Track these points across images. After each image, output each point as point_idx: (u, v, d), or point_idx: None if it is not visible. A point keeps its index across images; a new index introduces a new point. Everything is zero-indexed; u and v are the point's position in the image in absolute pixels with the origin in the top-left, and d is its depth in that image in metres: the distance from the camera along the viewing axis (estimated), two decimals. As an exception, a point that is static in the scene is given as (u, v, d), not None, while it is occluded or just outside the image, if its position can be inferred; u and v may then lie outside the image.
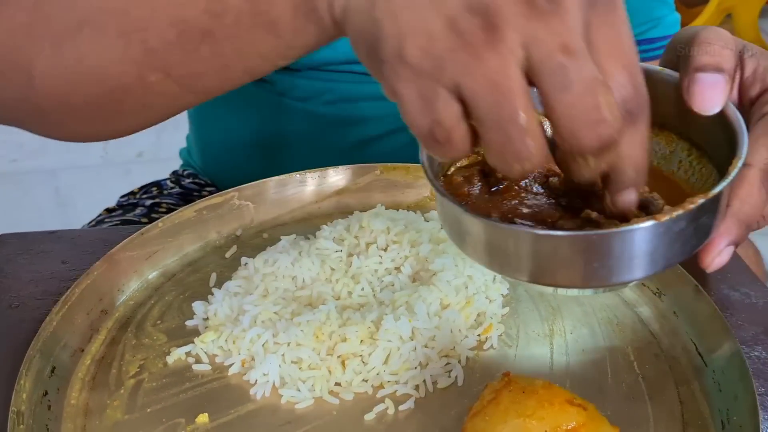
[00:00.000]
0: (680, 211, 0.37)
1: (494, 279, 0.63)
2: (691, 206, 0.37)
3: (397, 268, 0.63)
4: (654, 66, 0.48)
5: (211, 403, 0.53)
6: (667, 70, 0.47)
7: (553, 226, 0.40)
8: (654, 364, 0.56)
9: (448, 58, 0.33)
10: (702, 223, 0.40)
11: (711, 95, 0.42)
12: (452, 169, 0.45)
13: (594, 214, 0.41)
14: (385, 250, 0.64)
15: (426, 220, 0.69)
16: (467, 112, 0.35)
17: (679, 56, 0.47)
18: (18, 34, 0.49)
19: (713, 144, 0.44)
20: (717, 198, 0.39)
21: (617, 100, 0.34)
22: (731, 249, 0.45)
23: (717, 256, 0.44)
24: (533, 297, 0.63)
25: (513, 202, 0.43)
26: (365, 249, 0.64)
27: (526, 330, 0.60)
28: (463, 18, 0.33)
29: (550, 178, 0.44)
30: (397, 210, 0.70)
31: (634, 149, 0.36)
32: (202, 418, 0.52)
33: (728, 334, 0.54)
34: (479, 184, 0.44)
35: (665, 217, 0.37)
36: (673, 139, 0.48)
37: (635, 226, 0.37)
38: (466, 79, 0.33)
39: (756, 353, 0.57)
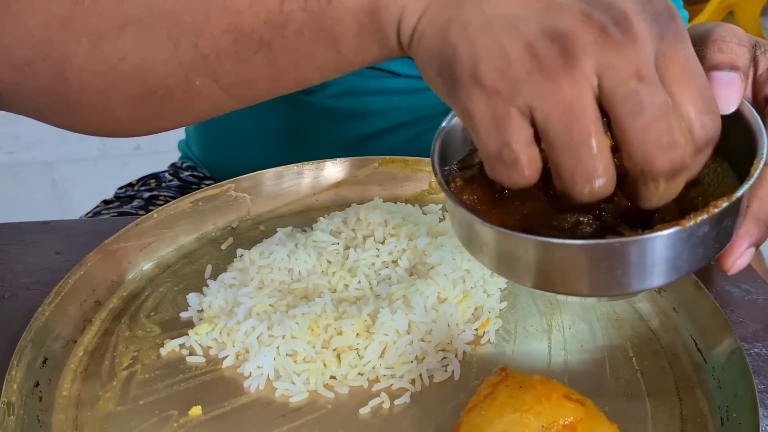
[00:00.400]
0: (704, 216, 0.36)
1: (492, 273, 0.62)
2: (716, 210, 0.37)
3: (395, 261, 0.62)
4: None
5: (205, 395, 0.53)
6: None
7: (570, 234, 0.39)
8: (653, 361, 0.56)
9: (523, 81, 0.34)
10: (725, 227, 0.39)
11: (726, 94, 0.41)
12: (460, 173, 0.45)
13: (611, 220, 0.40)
14: (383, 243, 0.64)
15: (424, 213, 0.68)
16: (537, 137, 0.35)
17: None
18: (53, 27, 0.47)
19: (728, 143, 0.43)
20: (739, 200, 0.38)
21: (697, 124, 0.35)
22: (752, 251, 0.44)
23: (738, 258, 0.44)
24: (532, 292, 0.62)
25: (524, 209, 0.42)
26: (362, 242, 0.64)
27: (524, 325, 0.59)
28: (540, 43, 0.34)
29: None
30: (395, 203, 0.69)
31: (698, 170, 0.38)
32: (195, 411, 0.51)
33: (729, 331, 0.53)
34: (488, 188, 0.43)
35: (689, 223, 0.36)
36: None
37: (658, 233, 0.36)
38: (540, 101, 0.34)
39: (756, 350, 0.57)
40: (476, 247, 0.41)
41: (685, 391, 0.53)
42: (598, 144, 0.34)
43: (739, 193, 0.38)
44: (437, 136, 0.43)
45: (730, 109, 0.41)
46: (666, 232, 0.36)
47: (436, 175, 0.42)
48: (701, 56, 0.44)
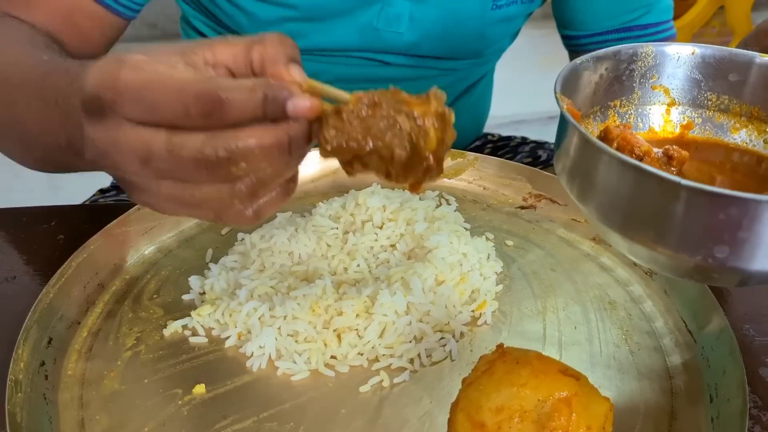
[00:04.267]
0: None
1: (488, 257, 0.64)
2: None
3: (393, 245, 0.63)
4: (757, 53, 0.47)
5: (208, 374, 0.54)
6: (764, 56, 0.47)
7: None
8: (645, 341, 0.57)
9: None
10: None
11: None
12: None
13: None
14: (381, 227, 0.65)
15: (420, 199, 0.69)
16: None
17: None
18: None
19: None
20: None
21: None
22: None
23: None
24: (527, 275, 0.64)
25: None
26: (361, 226, 0.65)
27: (519, 307, 0.60)
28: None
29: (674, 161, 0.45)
30: (393, 189, 0.70)
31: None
32: (199, 389, 0.52)
33: (717, 312, 0.55)
34: None
35: None
36: (764, 129, 0.48)
37: None
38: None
39: (744, 331, 0.58)
40: (589, 187, 0.40)
41: (675, 370, 0.55)
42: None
43: None
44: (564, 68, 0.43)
45: None
46: None
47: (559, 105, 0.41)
48: None
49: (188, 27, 0.92)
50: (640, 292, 0.62)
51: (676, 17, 0.90)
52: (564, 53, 0.91)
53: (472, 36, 0.83)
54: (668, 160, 0.45)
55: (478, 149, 0.99)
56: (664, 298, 0.61)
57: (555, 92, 0.43)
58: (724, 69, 0.48)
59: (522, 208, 0.72)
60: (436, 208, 0.68)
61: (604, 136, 0.45)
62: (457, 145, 0.80)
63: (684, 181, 0.36)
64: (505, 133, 1.04)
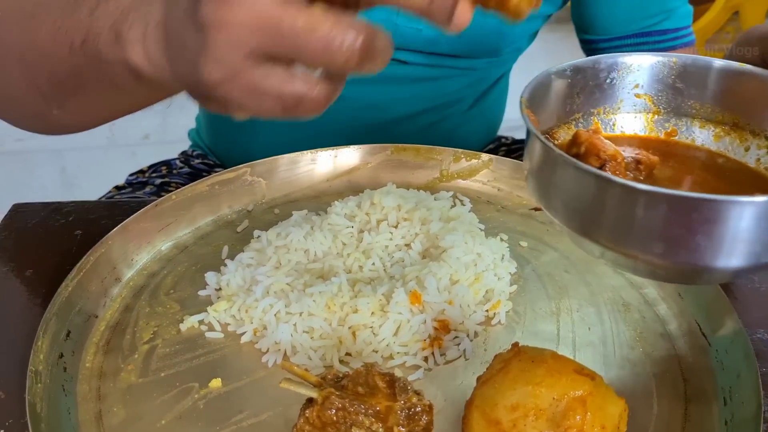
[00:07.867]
0: None
1: (502, 258, 0.64)
2: None
3: (408, 245, 0.64)
4: (736, 63, 0.48)
5: (224, 368, 0.54)
6: (751, 67, 0.47)
7: None
8: (659, 343, 0.57)
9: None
10: None
11: None
12: None
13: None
14: (396, 227, 0.65)
15: (435, 200, 0.69)
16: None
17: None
18: None
19: None
20: None
21: None
22: None
23: None
24: (541, 276, 0.64)
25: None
26: (376, 226, 0.65)
27: (533, 307, 0.61)
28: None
29: (641, 166, 0.45)
30: (408, 189, 0.70)
31: None
32: (216, 383, 0.53)
33: (732, 315, 0.55)
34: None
35: None
36: (746, 137, 0.48)
37: None
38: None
39: (759, 335, 0.58)
40: (555, 197, 0.40)
41: (689, 372, 0.55)
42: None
43: None
44: (529, 84, 0.44)
45: None
46: None
47: (525, 121, 0.42)
48: None
49: None
50: (654, 295, 0.62)
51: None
52: (578, 56, 0.91)
53: (490, 33, 0.83)
54: (636, 164, 0.45)
55: (492, 152, 1.00)
56: (678, 300, 0.61)
57: (521, 98, 0.43)
58: (705, 78, 0.48)
59: (536, 209, 0.72)
60: (451, 208, 0.68)
61: (574, 141, 0.46)
62: (471, 148, 0.81)
63: (617, 179, 0.37)
64: (518, 136, 1.05)
